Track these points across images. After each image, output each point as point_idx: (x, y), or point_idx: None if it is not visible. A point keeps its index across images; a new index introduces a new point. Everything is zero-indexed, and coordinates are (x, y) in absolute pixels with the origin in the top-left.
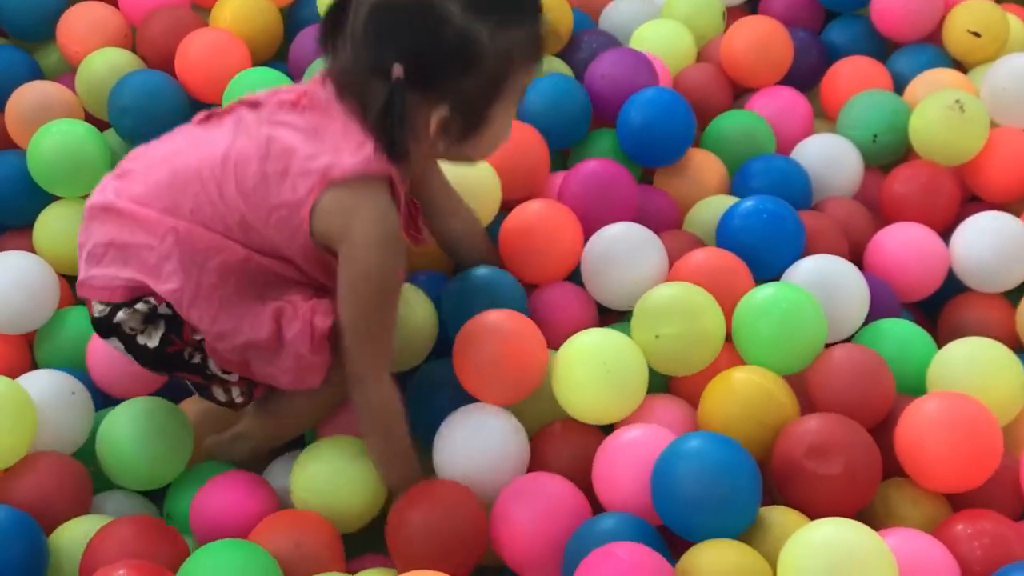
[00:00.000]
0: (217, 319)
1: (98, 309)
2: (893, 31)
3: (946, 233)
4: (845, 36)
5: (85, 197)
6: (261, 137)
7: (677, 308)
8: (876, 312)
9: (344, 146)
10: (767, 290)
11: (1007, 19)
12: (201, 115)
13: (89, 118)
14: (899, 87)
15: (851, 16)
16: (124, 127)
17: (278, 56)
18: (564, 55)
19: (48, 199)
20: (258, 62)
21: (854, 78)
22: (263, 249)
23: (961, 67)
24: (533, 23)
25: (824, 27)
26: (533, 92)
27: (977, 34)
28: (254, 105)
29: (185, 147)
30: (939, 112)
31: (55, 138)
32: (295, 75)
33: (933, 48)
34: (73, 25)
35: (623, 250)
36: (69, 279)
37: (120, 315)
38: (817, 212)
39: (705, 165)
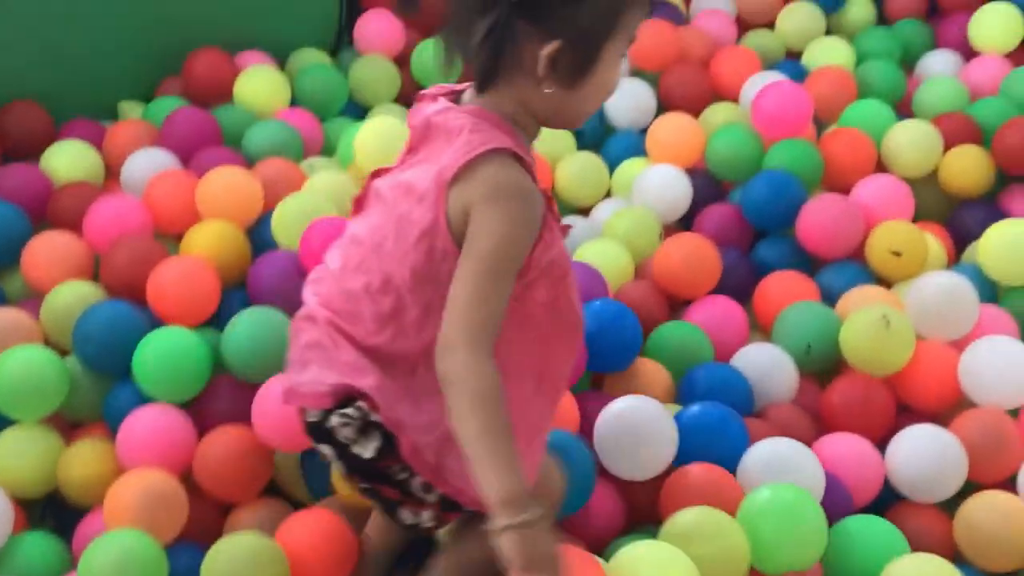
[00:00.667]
0: (419, 406)
1: (311, 415)
2: (818, 249)
3: (883, 442)
4: (774, 253)
5: (43, 421)
6: (393, 214)
7: (703, 530)
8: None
9: (449, 150)
10: (764, 492)
11: (925, 239)
12: (353, 205)
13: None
14: (828, 300)
15: (779, 235)
16: (88, 356)
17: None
18: None
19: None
20: (227, 287)
21: (785, 291)
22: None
23: (885, 282)
24: None
25: (753, 246)
26: None
27: (898, 253)
28: (382, 173)
29: (350, 252)
30: (867, 326)
31: (16, 364)
32: (254, 298)
33: (857, 265)
34: (38, 254)
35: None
36: (24, 504)
37: (333, 420)
38: (759, 419)
39: (651, 373)
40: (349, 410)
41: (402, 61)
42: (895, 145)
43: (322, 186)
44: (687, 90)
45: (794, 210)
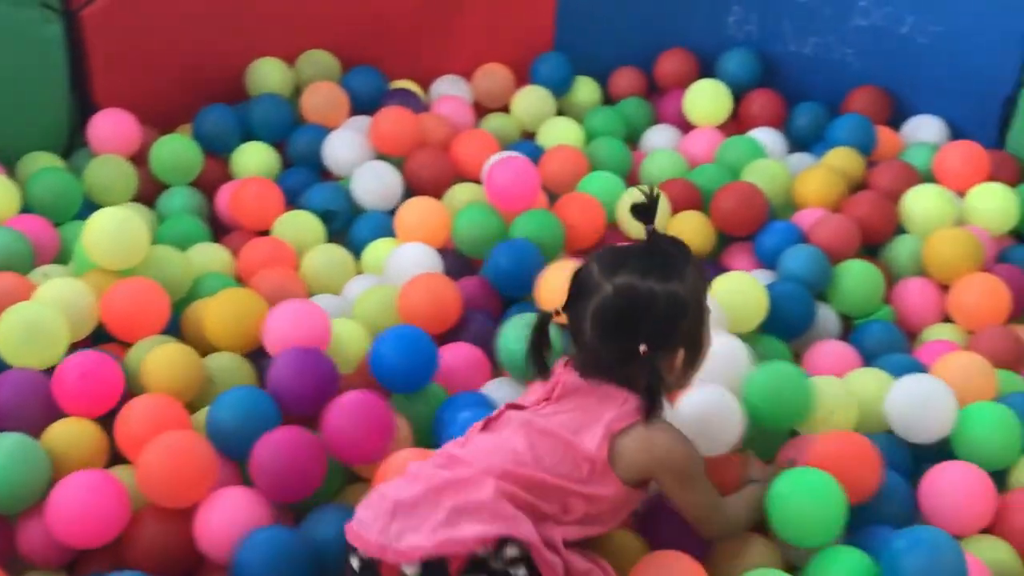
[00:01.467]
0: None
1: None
2: None
3: None
4: None
5: None
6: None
7: None
8: None
9: (610, 407)
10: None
11: None
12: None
13: None
14: None
15: (524, 301)
16: None
17: None
18: None
19: None
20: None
21: None
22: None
23: None
24: (689, 260)
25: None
26: None
27: None
28: (517, 407)
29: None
30: None
31: None
32: None
33: None
34: None
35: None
36: None
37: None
38: None
39: None
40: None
41: (139, 159)
42: (625, 211)
43: (51, 296)
44: (430, 172)
45: (534, 275)
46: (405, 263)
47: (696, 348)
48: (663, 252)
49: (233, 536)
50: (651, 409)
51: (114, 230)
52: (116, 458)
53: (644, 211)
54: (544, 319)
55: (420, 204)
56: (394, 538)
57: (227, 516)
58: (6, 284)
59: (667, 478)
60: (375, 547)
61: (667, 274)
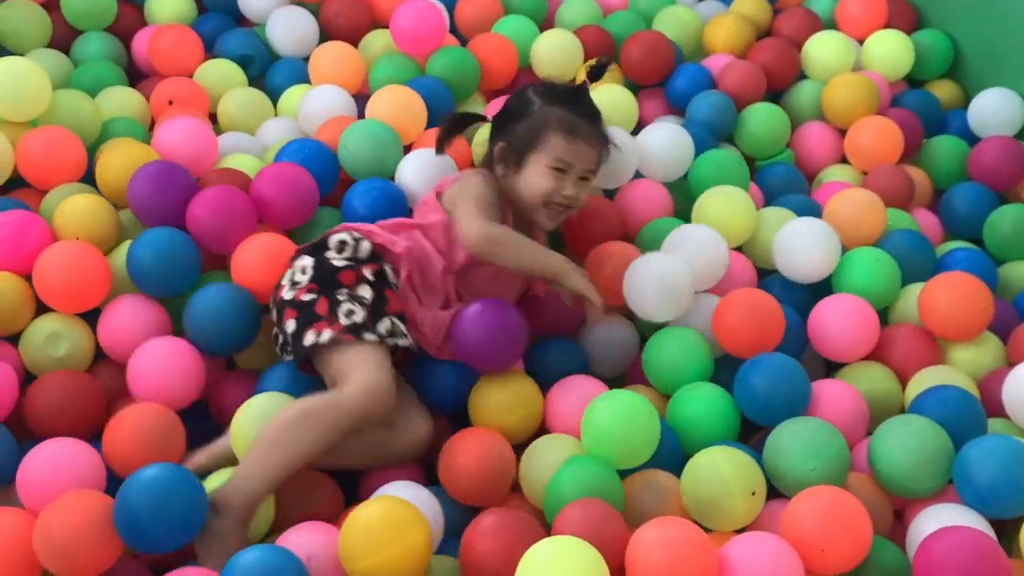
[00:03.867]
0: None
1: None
2: None
3: None
4: None
5: None
6: None
7: None
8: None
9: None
10: None
11: None
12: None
13: None
14: None
15: None
16: None
17: None
18: None
19: None
20: None
21: None
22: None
23: None
24: (574, 111)
25: None
26: None
27: None
28: None
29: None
30: None
31: None
32: None
33: None
34: None
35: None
36: None
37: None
38: None
39: None
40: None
41: (51, 5)
42: (541, 51)
43: None
44: (347, 19)
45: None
46: (318, 106)
47: (516, 158)
48: (571, 91)
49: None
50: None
51: (12, 81)
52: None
53: (595, 72)
54: (471, 116)
55: (334, 49)
56: None
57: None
58: None
59: (453, 196)
60: None
61: (551, 99)
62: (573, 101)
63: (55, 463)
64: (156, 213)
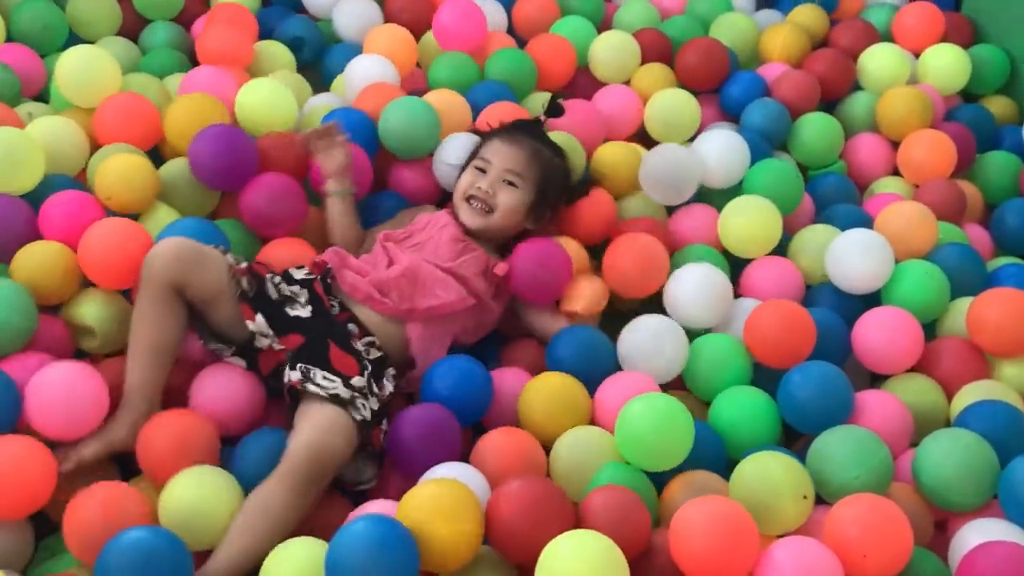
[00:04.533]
0: None
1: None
2: None
3: None
4: None
5: None
6: None
7: None
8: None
9: None
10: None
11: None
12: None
13: None
14: None
15: None
16: None
17: None
18: None
19: None
20: None
21: None
22: None
23: None
24: (512, 127)
25: None
26: None
27: None
28: None
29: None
30: None
31: None
32: None
33: None
34: None
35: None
36: None
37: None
38: None
39: None
40: None
41: None
42: (599, 52)
43: (39, 134)
44: (410, 15)
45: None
46: (360, 72)
47: (460, 170)
48: (518, 120)
49: None
50: None
51: (83, 68)
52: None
53: (552, 108)
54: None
55: (391, 30)
56: None
57: None
58: None
59: None
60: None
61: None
62: (516, 124)
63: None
64: (217, 175)
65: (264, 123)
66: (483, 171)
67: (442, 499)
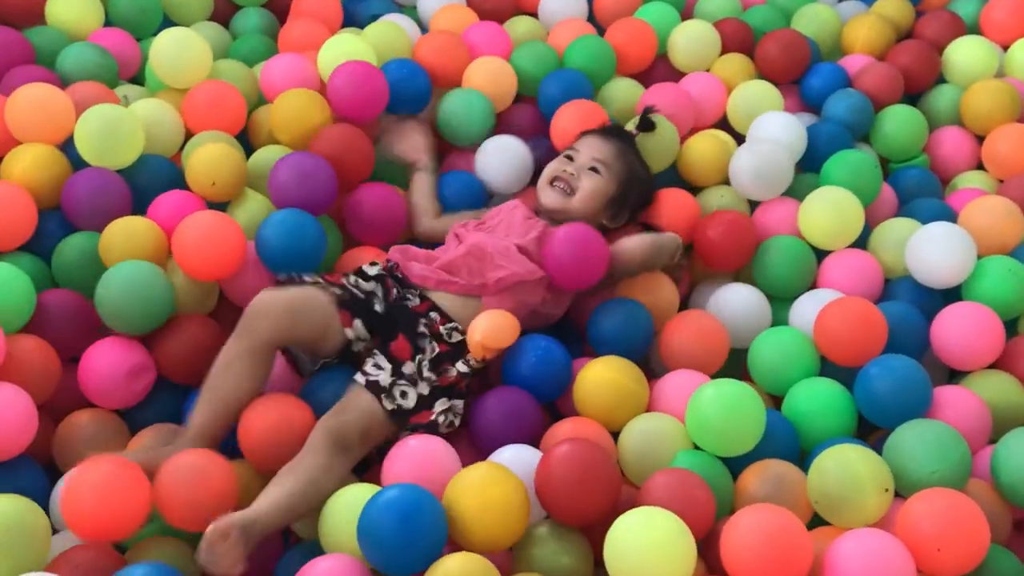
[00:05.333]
0: None
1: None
2: None
3: None
4: None
5: None
6: None
7: None
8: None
9: None
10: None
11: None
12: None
13: None
14: None
15: None
16: None
17: None
18: None
19: None
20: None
21: None
22: None
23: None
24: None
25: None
26: None
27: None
28: None
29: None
30: None
31: None
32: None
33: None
34: None
35: None
36: None
37: None
38: None
39: None
40: None
41: None
42: (679, 40)
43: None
44: (492, 3)
45: None
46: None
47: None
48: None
49: None
50: None
51: (176, 51)
52: None
53: (644, 123)
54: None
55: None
56: None
57: None
58: (92, 93)
59: None
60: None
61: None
62: (610, 127)
63: None
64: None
65: None
66: (571, 159)
67: (484, 481)
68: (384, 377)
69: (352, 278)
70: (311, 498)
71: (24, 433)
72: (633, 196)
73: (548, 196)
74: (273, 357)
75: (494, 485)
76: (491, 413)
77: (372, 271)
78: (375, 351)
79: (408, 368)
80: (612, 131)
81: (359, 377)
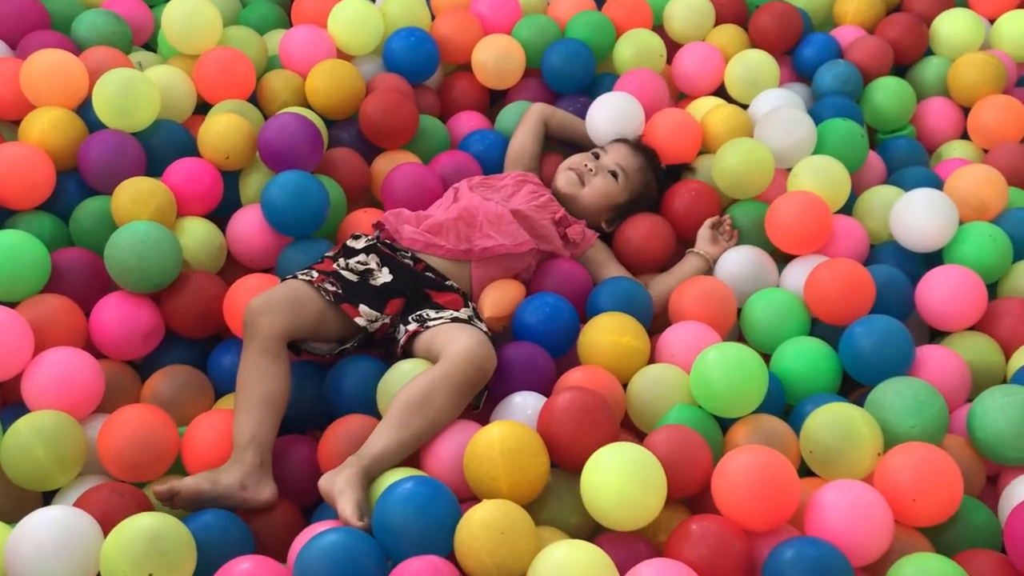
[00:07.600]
0: None
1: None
2: None
3: None
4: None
5: None
6: None
7: None
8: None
9: None
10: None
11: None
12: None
13: None
14: None
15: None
16: None
17: None
18: None
19: None
20: (61, 170)
21: None
22: None
23: None
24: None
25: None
26: None
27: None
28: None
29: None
30: None
31: None
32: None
33: None
34: None
35: None
36: None
37: None
38: None
39: None
40: None
41: None
42: (675, 12)
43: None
44: None
45: (589, 74)
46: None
47: None
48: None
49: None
50: None
51: (187, 17)
52: None
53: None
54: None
55: None
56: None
57: None
58: (106, 58)
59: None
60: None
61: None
62: (644, 146)
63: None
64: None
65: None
66: (596, 156)
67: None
68: (464, 313)
69: (341, 260)
70: (427, 438)
71: (96, 394)
72: (637, 211)
73: (563, 179)
74: (285, 351)
75: (513, 437)
76: (505, 363)
77: (358, 244)
78: (404, 315)
79: (464, 313)
80: (642, 147)
81: (433, 322)
